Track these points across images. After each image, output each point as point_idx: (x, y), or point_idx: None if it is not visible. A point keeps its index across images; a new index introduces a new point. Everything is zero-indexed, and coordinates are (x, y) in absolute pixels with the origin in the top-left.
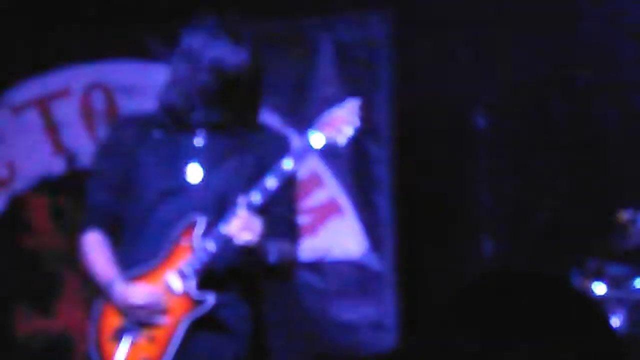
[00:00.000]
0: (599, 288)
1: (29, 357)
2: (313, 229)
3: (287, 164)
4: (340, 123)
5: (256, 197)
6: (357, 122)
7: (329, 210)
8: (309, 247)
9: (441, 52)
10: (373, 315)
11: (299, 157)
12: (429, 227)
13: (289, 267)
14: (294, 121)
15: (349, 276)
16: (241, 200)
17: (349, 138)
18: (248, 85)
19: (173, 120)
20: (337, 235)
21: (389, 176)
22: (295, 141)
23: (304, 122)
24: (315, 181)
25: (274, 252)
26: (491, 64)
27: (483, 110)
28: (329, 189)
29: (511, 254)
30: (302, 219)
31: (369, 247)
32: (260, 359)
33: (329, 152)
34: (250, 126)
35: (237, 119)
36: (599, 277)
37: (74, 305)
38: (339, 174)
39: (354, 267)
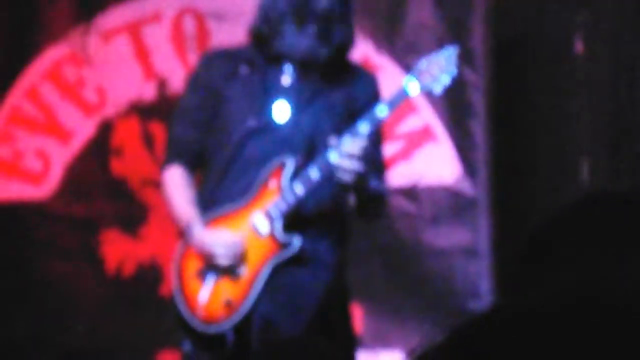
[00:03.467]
0: None
1: (118, 283)
2: (406, 154)
3: (382, 110)
4: (438, 71)
5: (348, 141)
6: (454, 71)
7: (423, 136)
8: (402, 173)
9: None
10: (467, 241)
11: (393, 104)
12: (525, 152)
13: (382, 201)
14: (387, 47)
15: (443, 202)
16: (334, 142)
17: (445, 86)
18: (338, 13)
19: (261, 54)
20: (431, 161)
21: (484, 102)
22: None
23: (398, 48)
24: (409, 107)
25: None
26: None
27: (581, 35)
28: (423, 115)
29: (610, 179)
30: (395, 145)
31: (463, 172)
32: (340, 299)
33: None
34: (340, 63)
35: (326, 52)
36: None
37: (162, 233)
38: (433, 99)
39: (448, 193)
